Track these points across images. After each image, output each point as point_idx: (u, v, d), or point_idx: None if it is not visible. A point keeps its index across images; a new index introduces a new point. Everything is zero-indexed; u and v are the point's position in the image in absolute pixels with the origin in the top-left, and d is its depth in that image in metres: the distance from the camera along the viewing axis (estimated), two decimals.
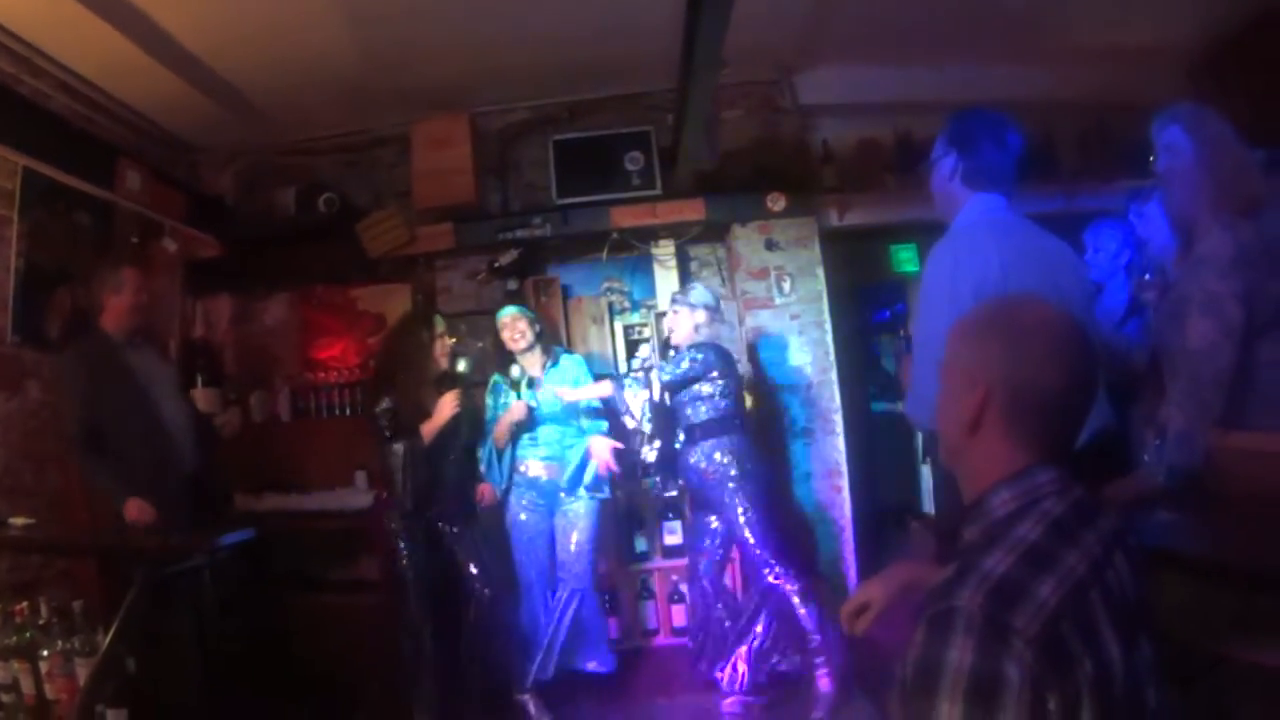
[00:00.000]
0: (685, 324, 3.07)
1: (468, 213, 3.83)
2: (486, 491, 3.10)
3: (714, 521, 3.00)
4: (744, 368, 3.60)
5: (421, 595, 2.80)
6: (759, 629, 2.93)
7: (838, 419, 3.78)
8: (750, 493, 2.86)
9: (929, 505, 4.71)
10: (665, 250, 3.91)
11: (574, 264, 4.05)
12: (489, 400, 3.21)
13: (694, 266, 4.05)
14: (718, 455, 2.90)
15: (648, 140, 3.80)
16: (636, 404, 3.36)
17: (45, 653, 2.05)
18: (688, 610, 3.37)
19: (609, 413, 3.28)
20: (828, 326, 3.81)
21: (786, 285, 3.81)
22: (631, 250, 3.95)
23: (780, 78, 3.95)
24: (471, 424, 3.06)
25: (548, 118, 4.03)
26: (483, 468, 3.12)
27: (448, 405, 2.82)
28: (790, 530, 3.44)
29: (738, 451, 2.91)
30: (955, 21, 3.32)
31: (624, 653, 3.32)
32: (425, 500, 2.83)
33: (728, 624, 2.99)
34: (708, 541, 3.04)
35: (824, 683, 2.73)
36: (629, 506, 3.61)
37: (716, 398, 2.94)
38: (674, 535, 3.56)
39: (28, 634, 2.09)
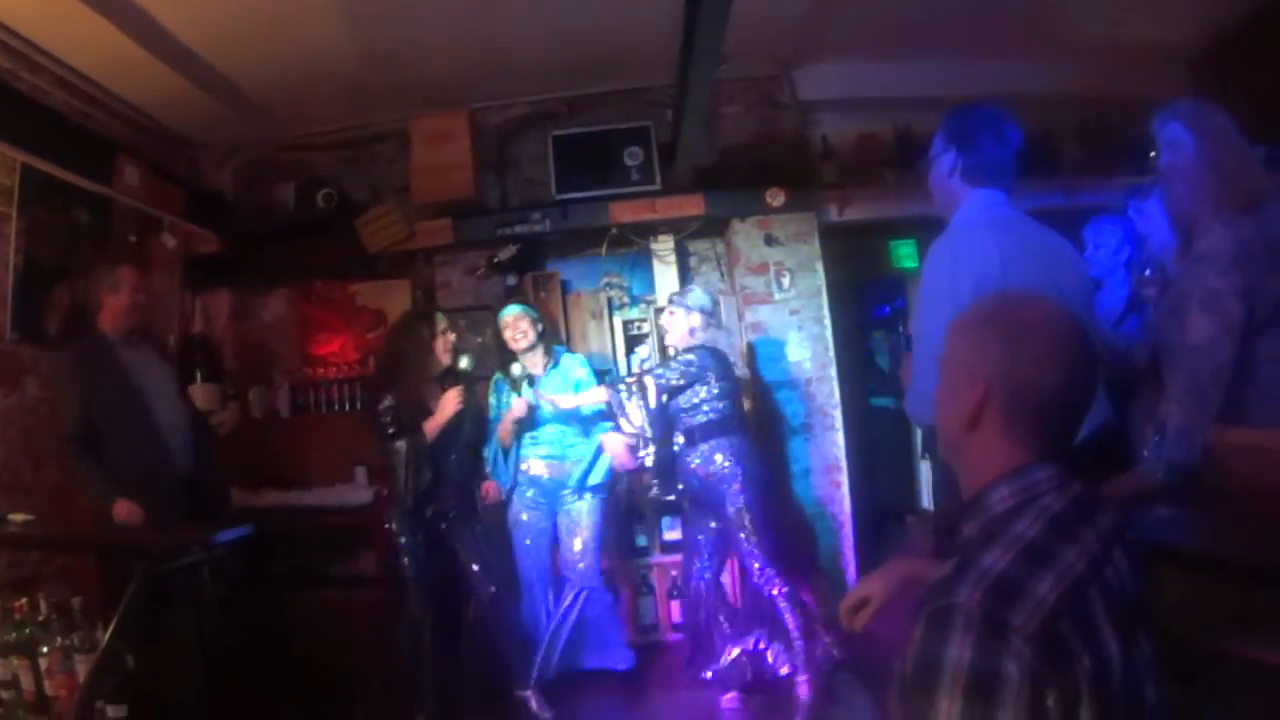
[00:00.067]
0: (680, 326, 3.05)
1: (467, 208, 3.82)
2: (491, 489, 3.10)
3: (713, 523, 2.99)
4: (741, 369, 3.59)
5: (422, 592, 2.80)
6: (755, 629, 2.93)
7: (837, 414, 3.78)
8: (750, 494, 2.85)
9: (928, 501, 4.73)
10: (664, 245, 3.91)
11: (573, 259, 4.04)
12: (491, 400, 3.21)
13: (693, 262, 4.05)
14: (718, 457, 2.88)
15: (647, 135, 3.79)
16: (633, 409, 3.34)
17: (45, 649, 2.04)
18: (683, 607, 3.36)
19: (611, 414, 3.27)
20: (827, 322, 3.80)
21: (786, 281, 3.80)
22: (631, 245, 3.94)
23: (780, 73, 3.95)
24: (474, 421, 3.05)
25: (547, 113, 4.03)
26: (489, 467, 3.12)
27: (450, 402, 2.82)
28: (789, 527, 3.44)
29: (737, 453, 2.89)
30: (955, 17, 3.32)
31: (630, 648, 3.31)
32: (427, 498, 2.83)
33: (726, 626, 2.99)
34: (705, 542, 3.03)
35: (802, 689, 2.73)
36: (629, 503, 3.60)
37: (714, 400, 2.92)
38: (673, 531, 3.56)
39: (27, 630, 2.08)
